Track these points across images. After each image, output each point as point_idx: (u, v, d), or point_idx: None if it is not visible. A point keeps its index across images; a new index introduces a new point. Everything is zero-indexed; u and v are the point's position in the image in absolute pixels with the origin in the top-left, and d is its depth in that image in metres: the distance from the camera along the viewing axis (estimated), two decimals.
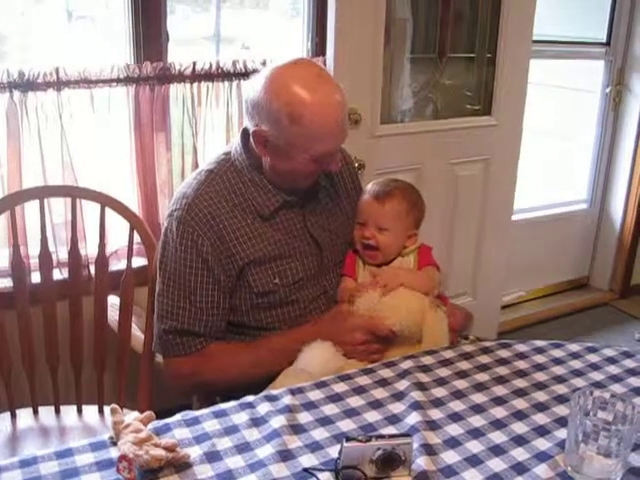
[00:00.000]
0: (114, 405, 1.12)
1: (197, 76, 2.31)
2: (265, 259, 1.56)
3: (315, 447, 1.13)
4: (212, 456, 1.10)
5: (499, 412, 1.26)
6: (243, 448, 1.12)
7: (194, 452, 1.10)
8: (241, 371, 1.55)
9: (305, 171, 1.54)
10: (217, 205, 1.54)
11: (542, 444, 1.16)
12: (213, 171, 1.60)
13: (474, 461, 1.12)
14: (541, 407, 1.28)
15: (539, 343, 1.53)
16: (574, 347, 1.52)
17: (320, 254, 1.64)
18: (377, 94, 2.53)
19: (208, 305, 1.55)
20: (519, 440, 1.17)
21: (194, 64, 2.28)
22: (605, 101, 3.74)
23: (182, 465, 1.06)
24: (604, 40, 3.66)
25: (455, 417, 1.24)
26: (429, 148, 2.74)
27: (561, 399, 1.31)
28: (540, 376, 1.40)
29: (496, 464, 1.11)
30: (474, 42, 2.86)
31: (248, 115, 1.52)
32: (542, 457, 1.13)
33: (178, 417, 1.19)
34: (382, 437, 1.06)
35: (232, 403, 1.25)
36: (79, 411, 1.91)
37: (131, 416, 1.13)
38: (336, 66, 2.37)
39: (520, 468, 1.10)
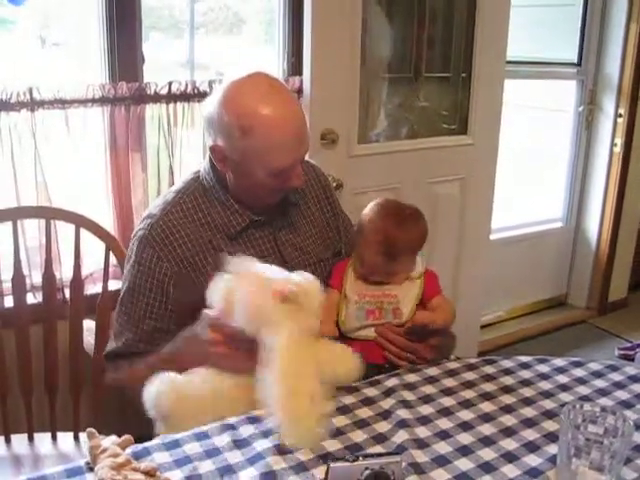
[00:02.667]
0: (90, 429, 1.08)
1: (173, 96, 2.29)
2: None
3: (300, 468, 1.10)
4: None
5: (487, 429, 1.23)
6: (226, 471, 1.08)
7: (175, 476, 1.06)
8: (143, 378, 1.39)
9: (267, 187, 1.49)
10: (182, 226, 1.51)
11: (533, 460, 1.14)
12: (181, 191, 1.57)
13: (464, 479, 1.09)
14: (529, 423, 1.26)
15: (524, 359, 1.51)
16: (559, 362, 1.51)
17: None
18: (354, 114, 2.52)
19: (153, 331, 1.51)
20: (509, 457, 1.15)
21: (170, 84, 2.26)
22: (578, 121, 3.79)
23: None
24: (575, 61, 3.71)
25: (443, 435, 1.21)
26: (407, 167, 2.73)
27: (549, 414, 1.29)
28: (527, 391, 1.37)
29: None
30: (449, 62, 2.88)
31: (207, 131, 1.51)
32: (533, 473, 1.10)
33: (157, 440, 1.15)
34: (370, 456, 1.03)
35: (213, 425, 1.21)
36: (54, 438, 1.86)
37: (108, 440, 1.08)
38: (313, 86, 2.36)
39: None
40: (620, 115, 3.66)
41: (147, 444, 1.14)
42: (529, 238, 3.82)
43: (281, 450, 1.13)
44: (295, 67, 2.55)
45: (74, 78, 2.22)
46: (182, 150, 2.34)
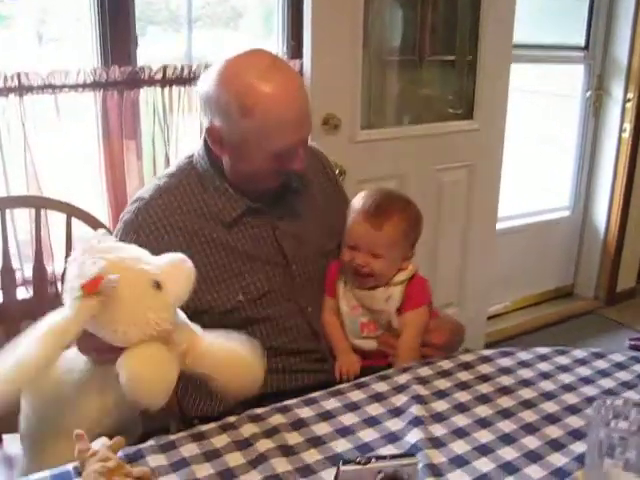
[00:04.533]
0: (78, 430, 0.99)
1: (168, 81, 2.20)
2: (225, 273, 1.42)
3: (307, 472, 1.01)
4: None
5: (507, 426, 1.15)
6: (226, 475, 1.00)
7: None
8: None
9: (266, 171, 1.39)
10: (172, 212, 1.41)
11: (558, 460, 1.05)
12: (173, 175, 1.48)
13: None
14: (552, 419, 1.17)
15: (542, 350, 1.42)
16: (579, 353, 1.42)
17: (288, 266, 1.49)
18: (356, 98, 2.44)
19: None
20: (532, 456, 1.06)
21: (164, 68, 2.17)
22: (585, 106, 3.70)
23: None
24: (582, 44, 3.62)
25: (460, 433, 1.13)
26: (412, 154, 2.65)
27: (573, 409, 1.20)
28: (547, 385, 1.29)
29: None
30: (454, 45, 2.79)
31: (202, 111, 1.41)
32: (560, 474, 1.02)
33: (152, 442, 1.07)
34: (383, 458, 0.94)
35: (212, 425, 1.12)
36: None
37: (98, 442, 0.99)
38: (313, 69, 2.28)
39: None
40: (629, 100, 3.56)
41: (141, 446, 1.05)
42: (535, 227, 3.73)
43: (285, 451, 1.05)
44: (295, 51, 2.46)
45: (66, 60, 2.14)
46: (179, 136, 2.25)
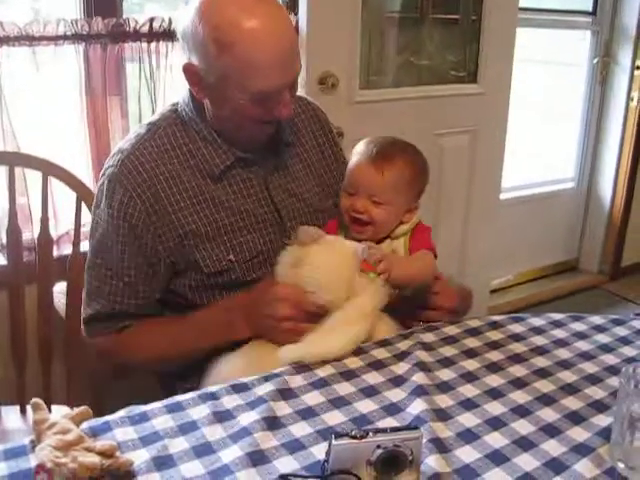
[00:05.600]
0: (36, 399, 0.87)
1: (155, 35, 2.05)
2: (216, 230, 1.32)
3: (295, 447, 0.90)
4: (163, 461, 0.85)
5: (520, 397, 1.03)
6: (203, 451, 0.88)
7: (139, 457, 0.85)
8: (159, 350, 1.33)
9: (249, 117, 1.27)
10: (157, 162, 1.30)
11: (579, 434, 0.94)
12: (156, 124, 1.36)
13: (497, 459, 0.89)
14: (570, 389, 1.06)
15: (556, 316, 1.31)
16: (596, 320, 1.30)
17: (282, 224, 1.39)
18: (355, 56, 2.31)
19: (134, 279, 1.32)
20: (550, 430, 0.95)
21: (151, 20, 2.02)
22: (591, 74, 3.59)
23: (122, 475, 0.81)
24: (590, 9, 3.48)
25: (468, 404, 1.01)
26: (412, 117, 2.52)
27: (592, 379, 1.09)
28: (563, 353, 1.17)
29: (526, 461, 0.88)
30: (458, 2, 2.65)
31: (181, 49, 1.28)
32: (582, 451, 0.90)
33: (121, 413, 0.94)
34: (382, 431, 0.82)
35: (190, 395, 1.00)
36: (22, 412, 1.67)
37: (58, 413, 0.87)
38: (309, 24, 2.15)
39: (557, 465, 0.87)
40: (637, 67, 3.47)
41: (108, 417, 0.93)
42: (538, 199, 3.64)
43: (272, 424, 0.93)
44: (290, 5, 2.31)
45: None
46: (166, 94, 2.11)
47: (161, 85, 2.11)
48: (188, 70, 1.26)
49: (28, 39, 1.88)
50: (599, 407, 1.01)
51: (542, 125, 3.90)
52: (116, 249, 1.31)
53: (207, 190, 1.32)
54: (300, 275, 1.23)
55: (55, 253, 1.84)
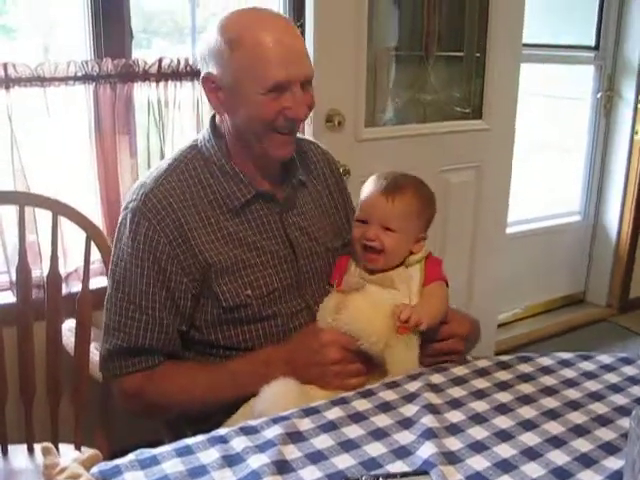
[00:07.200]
0: (46, 444, 0.88)
1: (164, 75, 2.09)
2: (234, 265, 1.33)
3: None
4: None
5: (530, 439, 1.03)
6: None
7: None
8: (193, 396, 1.32)
9: (264, 113, 1.29)
10: (179, 197, 1.33)
11: (590, 477, 0.93)
12: (177, 159, 1.39)
13: None
14: (580, 431, 1.05)
15: (564, 355, 1.31)
16: (605, 359, 1.30)
17: (296, 261, 1.41)
18: (360, 94, 2.34)
19: (159, 313, 1.32)
20: (561, 473, 0.94)
21: (160, 61, 2.06)
22: (596, 108, 3.62)
23: None
24: (593, 44, 3.53)
25: (478, 447, 1.00)
26: (418, 153, 2.54)
27: (602, 420, 1.09)
28: (572, 393, 1.17)
29: None
30: (462, 40, 2.69)
31: (201, 67, 1.37)
32: None
33: (131, 457, 0.95)
34: (392, 477, 0.82)
35: (199, 438, 1.00)
36: (30, 451, 1.66)
37: (69, 457, 0.88)
38: (316, 63, 2.11)
39: None
40: None
41: (118, 461, 0.93)
42: (545, 232, 3.65)
43: (281, 468, 0.93)
44: None
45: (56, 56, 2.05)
46: (175, 133, 2.14)
47: (170, 124, 2.14)
48: (206, 80, 1.33)
49: (39, 80, 1.92)
50: (610, 449, 1.00)
51: (547, 159, 3.93)
52: (140, 282, 1.31)
53: (227, 225, 1.35)
54: (340, 321, 1.29)
55: (64, 291, 1.86)
